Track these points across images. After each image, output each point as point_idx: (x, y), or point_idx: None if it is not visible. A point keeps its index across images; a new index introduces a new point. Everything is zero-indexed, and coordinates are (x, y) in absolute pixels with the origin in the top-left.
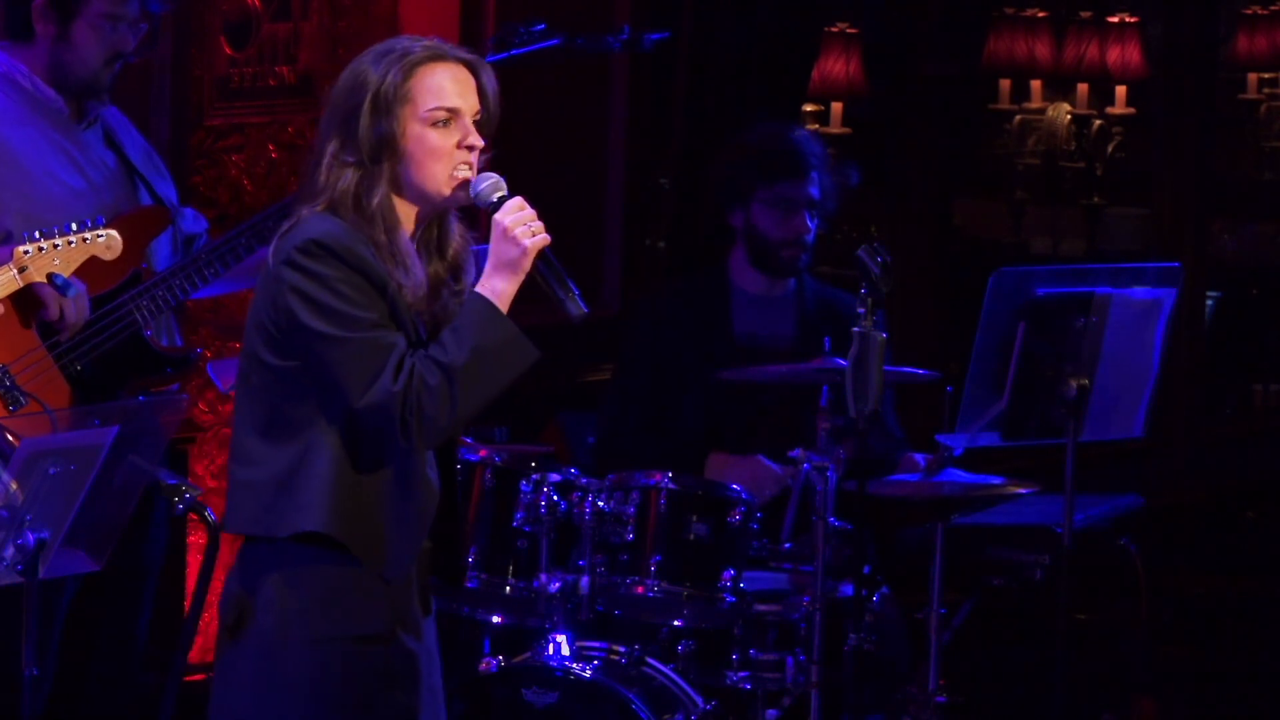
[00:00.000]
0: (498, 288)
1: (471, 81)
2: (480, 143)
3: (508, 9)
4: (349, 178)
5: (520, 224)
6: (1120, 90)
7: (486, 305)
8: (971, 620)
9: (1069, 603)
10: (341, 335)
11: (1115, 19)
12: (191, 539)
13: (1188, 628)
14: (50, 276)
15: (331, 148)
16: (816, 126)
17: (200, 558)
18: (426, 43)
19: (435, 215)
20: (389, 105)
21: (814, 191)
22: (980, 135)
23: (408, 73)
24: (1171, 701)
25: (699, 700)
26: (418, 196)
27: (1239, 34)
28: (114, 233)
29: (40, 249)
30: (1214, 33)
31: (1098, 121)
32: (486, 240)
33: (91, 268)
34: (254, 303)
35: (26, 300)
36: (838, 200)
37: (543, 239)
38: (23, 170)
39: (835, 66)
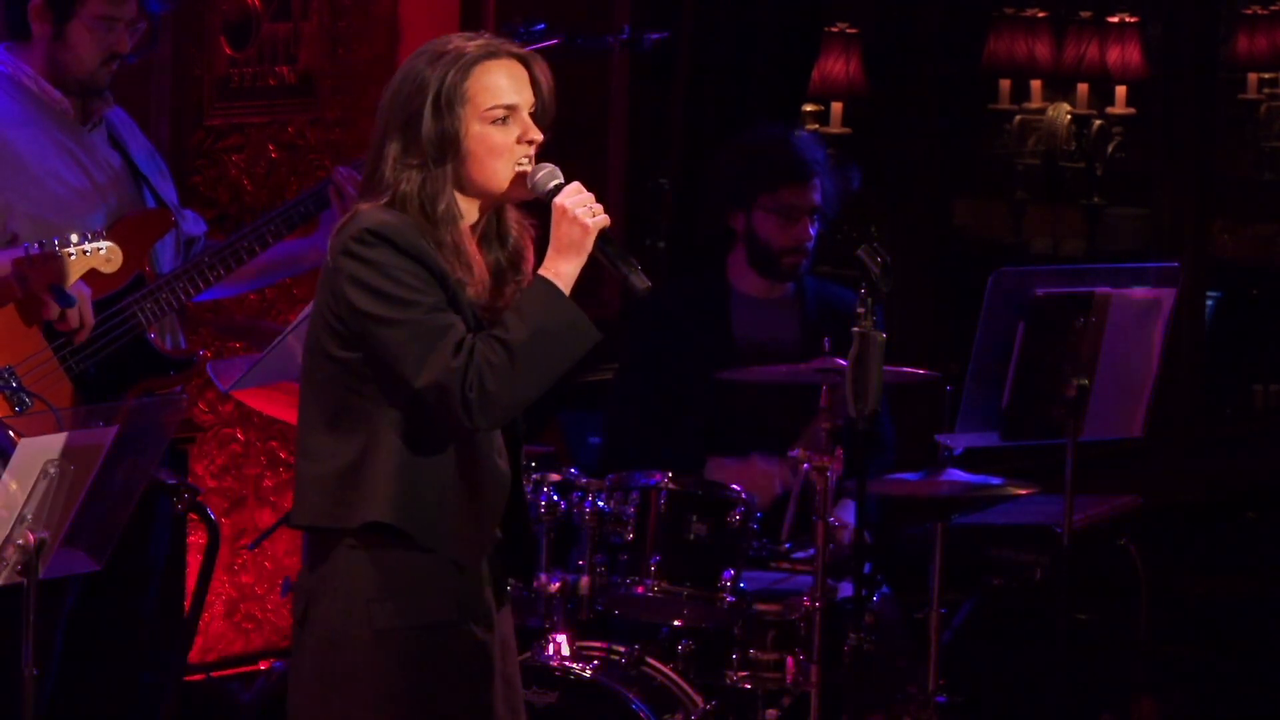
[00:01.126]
0: (561, 269)
1: (525, 75)
2: (540, 136)
3: (508, 9)
4: (414, 180)
5: (581, 205)
6: (1120, 90)
7: (549, 286)
8: (971, 620)
9: (1069, 603)
10: (398, 317)
11: (1115, 19)
12: (191, 539)
13: (1188, 628)
14: (51, 287)
15: (393, 150)
16: (816, 126)
17: (200, 558)
18: (479, 41)
19: (495, 207)
20: (450, 106)
21: (816, 197)
22: (980, 135)
23: (465, 73)
24: (1171, 701)
25: (699, 700)
26: (479, 193)
27: (1239, 34)
28: (114, 245)
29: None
30: (1214, 33)
31: (1098, 121)
32: (547, 229)
33: (94, 272)
34: (316, 299)
35: (32, 304)
36: (840, 203)
37: (604, 219)
38: (27, 172)
39: (835, 66)
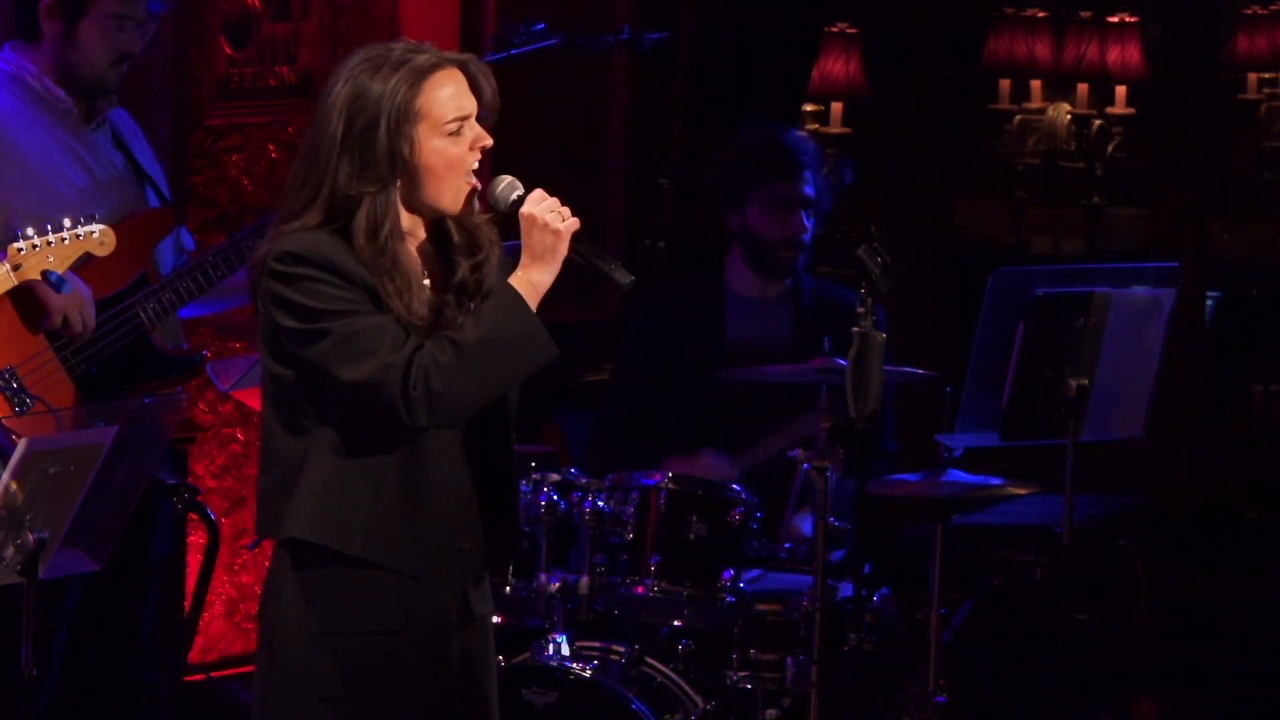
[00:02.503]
0: (533, 278)
1: (465, 81)
2: (490, 141)
3: (508, 9)
4: (363, 203)
5: (549, 211)
6: (1120, 90)
7: (511, 294)
8: (971, 620)
9: (1069, 603)
10: (325, 327)
11: (1115, 19)
12: (191, 539)
13: (1188, 628)
14: (45, 274)
15: (344, 171)
16: (816, 126)
17: (200, 558)
18: (425, 54)
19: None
20: (400, 123)
21: (809, 190)
22: (980, 135)
23: (416, 88)
24: (1171, 701)
25: (699, 700)
26: (429, 209)
27: (1239, 34)
28: (107, 228)
29: (34, 246)
30: (1214, 33)
31: (1098, 121)
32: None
33: (100, 270)
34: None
35: (34, 303)
36: (833, 199)
37: (574, 222)
38: (31, 171)
39: (835, 66)
